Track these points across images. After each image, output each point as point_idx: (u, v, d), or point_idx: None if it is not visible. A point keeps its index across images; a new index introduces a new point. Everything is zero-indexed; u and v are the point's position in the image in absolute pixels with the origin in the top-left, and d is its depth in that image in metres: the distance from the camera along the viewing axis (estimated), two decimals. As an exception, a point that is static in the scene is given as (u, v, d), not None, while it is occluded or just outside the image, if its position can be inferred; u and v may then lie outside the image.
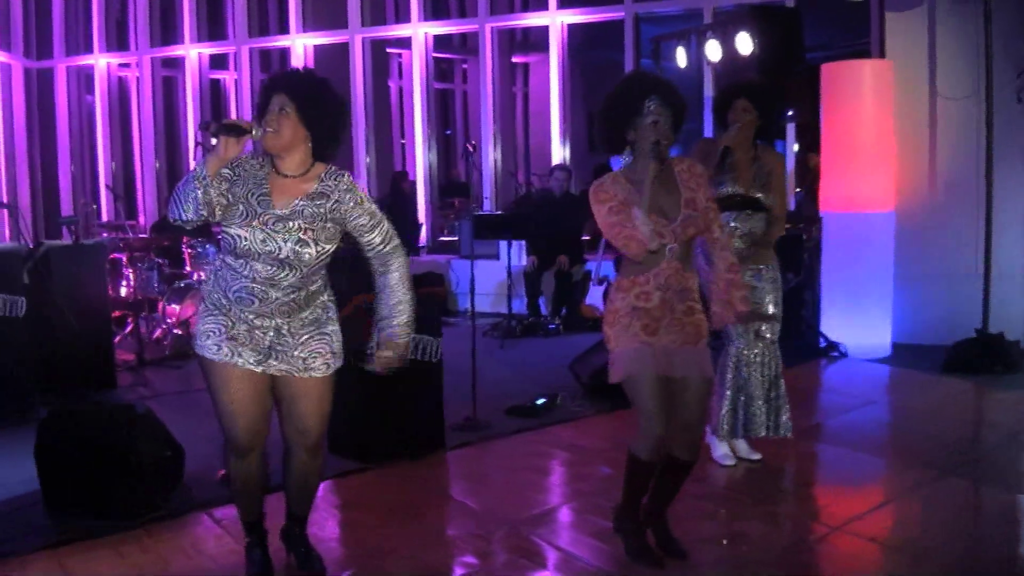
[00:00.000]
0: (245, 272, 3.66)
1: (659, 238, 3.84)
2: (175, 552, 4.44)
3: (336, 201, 3.73)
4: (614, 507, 4.31)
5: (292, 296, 3.72)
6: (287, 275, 3.67)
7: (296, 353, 3.76)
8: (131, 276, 9.25)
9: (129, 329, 9.24)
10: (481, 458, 5.95)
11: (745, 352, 5.48)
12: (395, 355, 3.90)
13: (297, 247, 3.64)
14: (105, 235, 10.42)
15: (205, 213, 3.54)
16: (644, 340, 3.93)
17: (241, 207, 3.62)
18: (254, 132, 3.59)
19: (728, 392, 5.49)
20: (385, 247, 3.85)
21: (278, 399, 3.86)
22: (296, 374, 3.78)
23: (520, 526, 4.74)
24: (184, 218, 3.55)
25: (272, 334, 3.73)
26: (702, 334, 4.05)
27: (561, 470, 5.86)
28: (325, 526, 4.82)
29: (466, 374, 6.49)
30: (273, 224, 3.62)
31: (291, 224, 3.63)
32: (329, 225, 3.71)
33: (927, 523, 4.72)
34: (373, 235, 3.81)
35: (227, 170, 3.62)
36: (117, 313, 9.28)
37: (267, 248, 3.61)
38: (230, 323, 3.70)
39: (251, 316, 3.70)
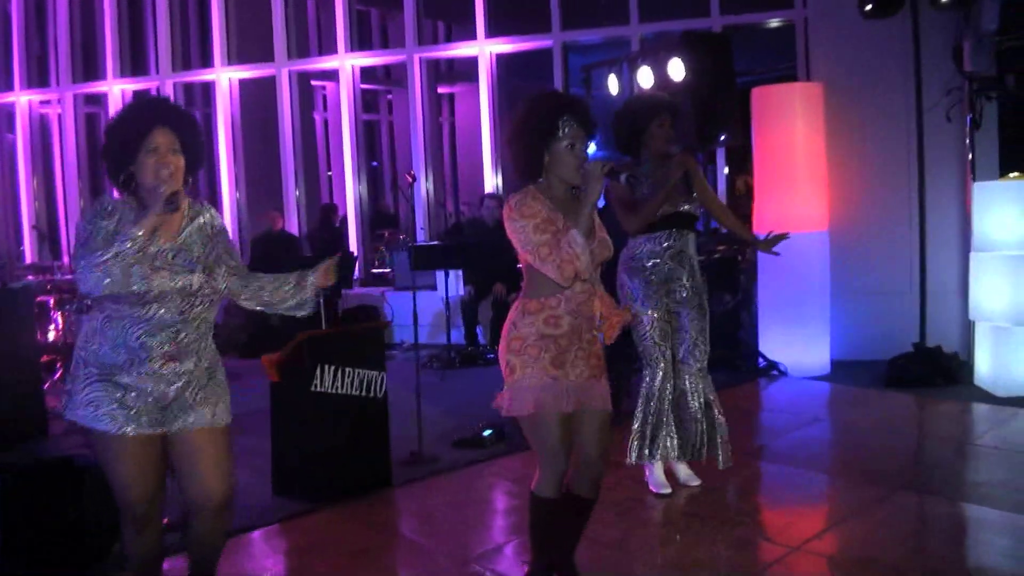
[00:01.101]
0: (150, 316, 3.38)
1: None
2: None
3: (212, 225, 3.60)
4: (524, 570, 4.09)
5: (197, 332, 3.52)
6: (199, 308, 3.50)
7: (198, 402, 3.51)
8: (59, 319, 9.01)
9: (59, 375, 9.00)
10: (430, 494, 5.84)
11: (656, 380, 5.41)
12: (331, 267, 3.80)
13: (205, 275, 3.48)
14: (31, 277, 10.16)
15: (146, 284, 3.32)
16: (552, 374, 3.68)
17: None
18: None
19: (641, 417, 5.42)
20: (244, 277, 3.71)
21: (176, 462, 3.56)
22: (201, 425, 3.51)
23: (472, 562, 4.66)
24: (123, 291, 3.28)
25: (176, 383, 3.46)
26: (604, 366, 3.86)
27: (510, 502, 5.77)
28: (275, 572, 4.70)
29: (409, 407, 6.39)
30: (173, 259, 3.42)
31: (191, 254, 3.46)
32: (219, 249, 3.58)
33: (881, 539, 4.71)
34: (236, 258, 3.70)
35: (105, 221, 3.36)
36: (45, 358, 9.04)
37: (177, 285, 3.40)
38: (117, 388, 3.39)
39: (149, 370, 3.40)
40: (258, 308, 3.80)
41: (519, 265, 10.43)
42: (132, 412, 3.39)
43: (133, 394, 3.40)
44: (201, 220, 3.58)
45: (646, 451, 5.42)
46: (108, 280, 3.23)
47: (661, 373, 5.41)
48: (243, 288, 3.72)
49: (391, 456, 5.95)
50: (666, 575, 4.37)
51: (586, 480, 3.86)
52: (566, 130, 3.66)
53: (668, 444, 5.44)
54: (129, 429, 3.39)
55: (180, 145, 3.44)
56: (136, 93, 14.20)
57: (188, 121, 3.53)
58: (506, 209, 3.70)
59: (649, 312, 5.37)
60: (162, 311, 3.40)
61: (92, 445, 3.52)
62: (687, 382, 5.47)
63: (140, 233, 3.26)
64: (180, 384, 3.47)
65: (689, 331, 5.45)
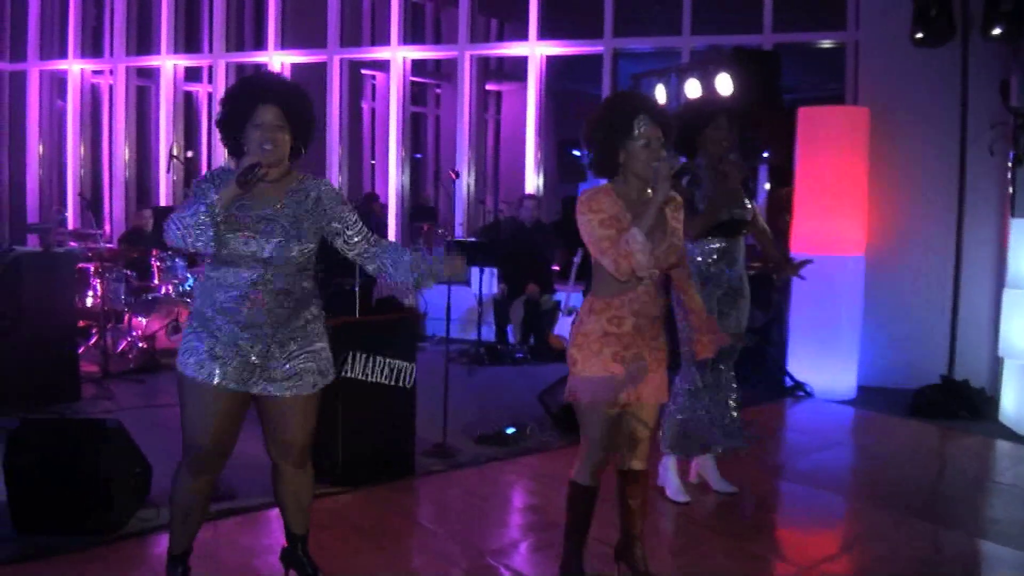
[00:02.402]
0: (230, 280, 3.60)
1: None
2: (139, 570, 4.40)
3: (316, 198, 3.72)
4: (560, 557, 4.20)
5: (280, 301, 3.65)
6: (273, 277, 3.62)
7: (283, 370, 3.69)
8: (98, 287, 9.15)
9: (94, 340, 9.14)
10: (450, 485, 5.92)
11: (697, 380, 5.48)
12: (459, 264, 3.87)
13: (279, 246, 3.60)
14: (73, 244, 10.32)
15: (215, 246, 3.50)
16: (611, 369, 3.85)
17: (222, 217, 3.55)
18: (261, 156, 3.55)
19: (676, 415, 5.50)
20: (370, 243, 3.82)
21: (261, 416, 3.80)
22: (282, 393, 3.70)
23: (487, 555, 4.73)
24: (192, 249, 3.50)
25: (260, 348, 3.63)
26: (664, 361, 4.03)
27: (529, 500, 5.84)
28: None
29: (436, 400, 6.46)
30: (254, 225, 3.58)
31: (272, 224, 3.60)
32: (309, 223, 3.68)
33: (893, 566, 4.73)
34: (355, 229, 3.78)
35: (208, 186, 3.58)
36: (82, 323, 9.19)
37: (250, 249, 3.56)
38: (214, 340, 3.60)
39: (238, 330, 3.60)
40: (378, 271, 3.85)
41: (553, 267, 10.49)
42: (219, 364, 3.60)
43: (221, 348, 3.60)
44: (305, 193, 3.71)
45: (678, 447, 5.52)
46: (181, 234, 3.45)
47: (704, 371, 5.47)
48: (369, 261, 3.82)
49: (415, 446, 6.04)
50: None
51: (636, 452, 4.06)
52: (641, 128, 3.79)
53: (696, 443, 5.52)
54: (213, 379, 3.60)
55: (286, 120, 3.61)
56: (188, 70, 14.36)
57: (295, 97, 3.69)
58: (578, 204, 3.86)
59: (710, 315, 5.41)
60: (240, 276, 3.59)
61: (179, 389, 3.70)
62: (723, 381, 5.54)
63: (215, 199, 3.44)
64: (263, 350, 3.65)
65: (736, 332, 5.51)
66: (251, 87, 3.69)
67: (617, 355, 3.86)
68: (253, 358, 3.64)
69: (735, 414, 5.59)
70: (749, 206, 5.54)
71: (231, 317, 3.60)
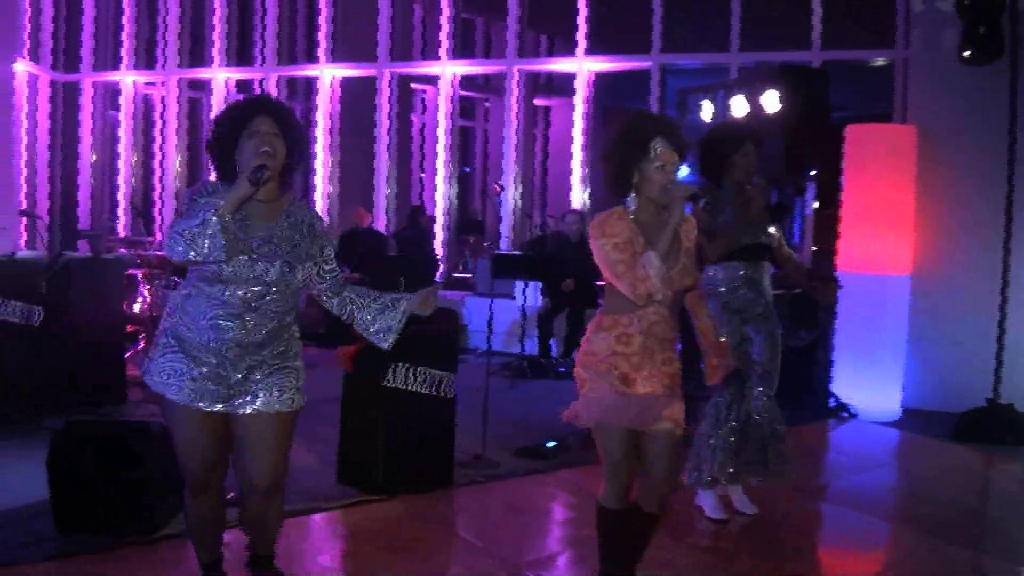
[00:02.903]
0: (224, 298, 3.50)
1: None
2: (179, 572, 4.44)
3: (310, 225, 3.70)
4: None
5: (273, 320, 3.60)
6: (271, 299, 3.57)
7: (263, 387, 3.61)
8: (147, 292, 9.27)
9: (142, 345, 9.26)
10: (488, 497, 5.93)
11: (727, 405, 5.43)
12: (430, 297, 3.82)
13: (285, 269, 3.56)
14: (123, 251, 10.46)
15: (227, 255, 3.41)
16: (620, 390, 3.74)
17: None
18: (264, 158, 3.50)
19: (709, 439, 5.45)
20: (339, 284, 3.83)
21: (233, 441, 3.68)
22: (262, 409, 3.61)
23: (524, 568, 4.74)
24: (201, 258, 3.37)
25: (244, 365, 3.56)
26: (678, 384, 3.91)
27: (567, 514, 5.84)
28: (329, 557, 4.83)
29: (476, 411, 6.48)
30: (258, 247, 3.53)
31: (273, 247, 3.56)
32: (304, 248, 3.65)
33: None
34: (332, 263, 3.80)
35: (203, 199, 3.50)
36: (131, 328, 9.32)
37: (254, 273, 3.51)
38: (191, 362, 3.53)
39: (223, 348, 3.52)
40: (345, 321, 3.86)
41: (599, 282, 10.47)
42: (199, 387, 3.53)
43: (203, 370, 3.53)
44: (298, 218, 3.68)
45: (707, 475, 5.45)
46: (188, 246, 3.34)
47: (731, 398, 5.42)
48: (334, 296, 3.83)
49: (454, 456, 6.06)
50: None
51: (653, 496, 3.93)
52: (657, 150, 3.73)
53: (731, 469, 5.45)
54: (193, 402, 3.54)
55: (280, 133, 3.57)
56: (240, 83, 14.54)
57: (287, 112, 3.67)
58: (591, 227, 3.80)
59: (724, 337, 5.38)
60: (236, 295, 3.51)
61: (162, 410, 3.68)
62: (756, 408, 5.47)
63: (222, 203, 3.38)
64: (246, 368, 3.57)
65: (761, 359, 5.44)
66: (245, 102, 3.66)
67: (625, 376, 3.74)
68: (237, 376, 3.56)
69: (778, 444, 5.52)
70: (773, 231, 5.49)
71: (219, 335, 3.51)
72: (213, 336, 3.51)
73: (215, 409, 3.57)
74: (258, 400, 3.61)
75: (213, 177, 3.70)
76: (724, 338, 5.28)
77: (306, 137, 3.76)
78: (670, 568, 4.70)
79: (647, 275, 3.64)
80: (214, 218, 3.33)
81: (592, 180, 12.34)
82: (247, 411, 3.60)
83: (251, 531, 3.90)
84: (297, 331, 3.78)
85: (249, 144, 3.52)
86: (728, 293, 5.40)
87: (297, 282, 3.64)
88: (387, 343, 3.85)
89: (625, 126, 3.84)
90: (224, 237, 3.35)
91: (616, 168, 3.82)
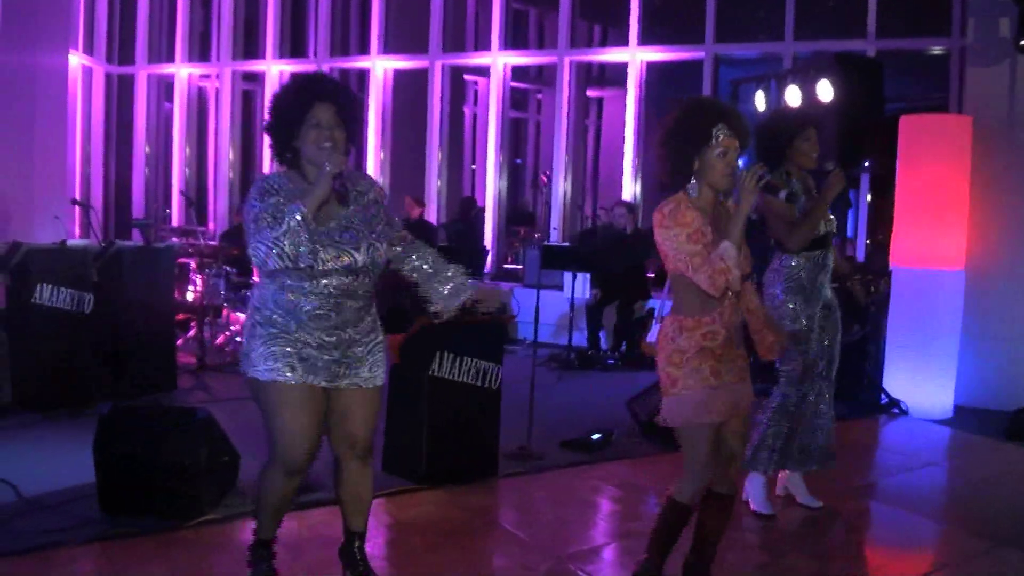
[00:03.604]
0: (318, 290, 3.57)
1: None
2: (221, 555, 4.49)
3: (374, 200, 3.74)
4: (638, 562, 4.08)
5: (363, 301, 3.70)
6: (362, 282, 3.66)
7: (363, 364, 3.74)
8: (199, 281, 9.36)
9: (192, 333, 9.36)
10: (532, 488, 5.92)
11: (796, 399, 5.40)
12: (494, 299, 3.94)
13: (370, 252, 3.61)
14: (175, 240, 10.57)
15: (312, 257, 3.47)
16: (712, 384, 3.75)
17: None
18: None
19: (771, 430, 5.41)
20: (405, 234, 3.90)
21: (329, 412, 3.78)
22: (363, 385, 3.75)
23: (567, 560, 4.71)
24: (293, 265, 3.44)
25: (341, 348, 3.66)
26: (748, 371, 3.94)
27: (612, 507, 5.81)
28: (373, 544, 4.81)
29: (523, 403, 6.47)
30: (339, 236, 3.57)
31: (352, 232, 3.59)
32: (377, 222, 3.69)
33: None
34: (400, 227, 3.88)
35: (273, 198, 3.52)
36: (182, 316, 9.41)
37: (343, 262, 3.55)
38: (294, 343, 3.60)
39: (321, 334, 3.61)
40: (414, 279, 3.95)
41: (648, 274, 10.37)
42: (309, 365, 3.62)
43: (307, 350, 3.62)
44: (365, 194, 3.72)
45: (773, 462, 5.44)
46: (279, 255, 3.39)
47: (805, 389, 5.40)
48: (404, 258, 3.92)
49: (499, 447, 6.05)
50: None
51: (724, 476, 3.93)
52: (719, 137, 3.69)
53: (796, 457, 5.46)
54: (308, 379, 3.62)
55: (341, 120, 3.60)
56: (293, 75, 14.62)
57: (349, 97, 3.70)
58: (658, 216, 3.74)
59: (807, 333, 5.35)
60: (330, 286, 3.58)
61: (263, 400, 3.68)
62: (822, 395, 5.47)
63: (306, 209, 3.41)
64: (345, 347, 3.68)
65: (828, 350, 5.45)
66: (305, 87, 3.65)
67: (715, 369, 3.76)
68: (338, 355, 3.66)
69: (828, 434, 5.52)
70: (832, 217, 5.44)
71: (319, 323, 3.60)
72: (313, 324, 3.60)
73: (324, 385, 3.67)
74: (359, 374, 3.75)
75: (267, 164, 3.73)
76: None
77: (362, 115, 3.80)
78: (717, 564, 4.65)
79: (727, 267, 3.61)
80: (300, 220, 3.39)
81: (643, 172, 12.27)
82: (349, 384, 3.73)
83: (351, 502, 3.98)
84: (375, 311, 3.86)
85: (311, 135, 3.56)
86: (811, 287, 5.36)
87: (382, 262, 3.72)
88: (442, 315, 3.97)
89: (685, 112, 3.78)
90: (311, 240, 3.42)
91: (676, 155, 3.76)
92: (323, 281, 3.57)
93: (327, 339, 3.63)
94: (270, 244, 3.38)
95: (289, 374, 3.60)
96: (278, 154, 3.68)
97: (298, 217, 3.38)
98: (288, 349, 3.60)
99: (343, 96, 3.65)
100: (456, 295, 3.94)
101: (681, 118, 3.77)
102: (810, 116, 5.51)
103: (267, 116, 3.68)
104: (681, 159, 3.75)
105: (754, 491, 5.50)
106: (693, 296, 3.75)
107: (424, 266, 3.93)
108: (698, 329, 3.74)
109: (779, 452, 5.42)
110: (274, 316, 3.61)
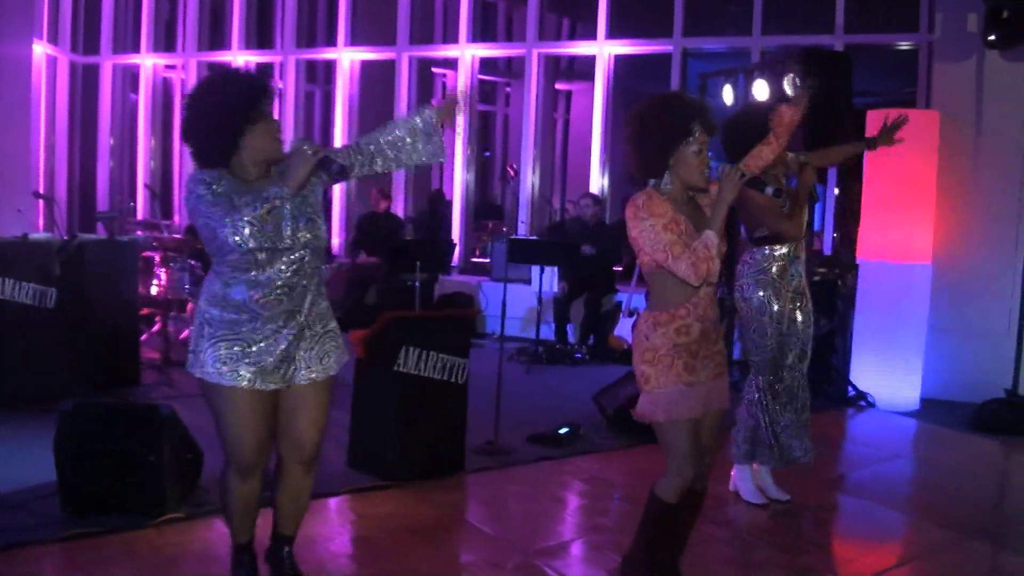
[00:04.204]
0: (264, 278, 3.50)
1: None
2: (186, 554, 4.43)
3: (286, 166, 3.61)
4: (625, 556, 4.09)
5: (312, 282, 3.63)
6: (309, 260, 3.60)
7: (315, 352, 3.67)
8: (163, 275, 9.26)
9: (157, 328, 9.26)
10: (500, 484, 5.89)
11: (770, 389, 5.42)
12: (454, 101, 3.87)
13: (310, 227, 3.57)
14: (140, 233, 10.45)
15: (291, 241, 3.50)
16: (687, 380, 3.74)
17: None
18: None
19: (752, 422, 5.46)
20: (340, 154, 3.78)
21: (278, 410, 3.72)
22: (314, 377, 3.68)
23: (535, 556, 4.68)
24: (270, 244, 3.45)
25: (293, 336, 3.59)
26: (725, 363, 3.94)
27: (580, 502, 5.79)
28: (339, 543, 4.79)
29: (490, 397, 6.43)
30: (299, 214, 3.54)
31: (290, 211, 3.51)
32: (309, 190, 3.61)
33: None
34: (331, 160, 3.65)
35: (215, 186, 3.45)
36: (146, 311, 9.31)
37: (285, 242, 3.50)
38: (244, 344, 3.53)
39: (271, 323, 3.55)
40: (399, 165, 3.90)
41: (616, 267, 10.35)
42: (257, 368, 3.55)
43: (255, 350, 3.55)
44: (282, 169, 3.60)
45: (751, 455, 5.51)
46: (253, 232, 3.36)
47: (780, 381, 5.44)
48: (364, 162, 3.84)
49: (466, 443, 6.02)
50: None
51: (699, 472, 3.91)
52: (696, 134, 3.70)
53: (771, 450, 5.48)
54: (255, 384, 3.55)
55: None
56: (259, 66, 14.51)
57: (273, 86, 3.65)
58: (631, 209, 3.73)
59: (776, 324, 5.40)
60: (276, 271, 3.52)
61: (212, 401, 3.63)
62: (793, 386, 5.50)
63: (288, 191, 3.40)
64: (295, 336, 3.61)
65: (800, 338, 5.49)
66: (242, 82, 3.56)
67: (688, 365, 3.75)
68: (285, 347, 3.59)
69: (804, 428, 5.56)
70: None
71: (269, 312, 3.54)
72: (264, 314, 3.54)
73: (273, 387, 3.61)
74: (310, 368, 3.68)
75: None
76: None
77: None
78: (686, 557, 4.64)
79: (711, 255, 3.61)
80: (280, 202, 3.39)
81: (612, 165, 12.25)
82: (300, 381, 3.67)
83: (287, 506, 3.92)
84: (324, 292, 3.80)
85: (261, 127, 3.50)
86: (781, 279, 5.41)
87: (324, 236, 3.66)
88: (442, 156, 3.96)
89: (664, 107, 3.77)
90: (285, 221, 3.45)
91: (653, 150, 3.74)
92: (269, 268, 3.50)
93: (279, 331, 3.56)
94: (251, 220, 3.34)
95: (237, 376, 3.53)
96: (217, 156, 3.54)
97: (279, 199, 3.37)
98: (236, 349, 3.53)
99: (274, 92, 3.62)
100: (427, 136, 3.85)
101: (659, 113, 3.75)
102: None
103: (202, 121, 3.52)
104: (658, 154, 3.74)
105: (742, 482, 5.56)
106: (666, 289, 3.74)
107: (377, 149, 3.83)
108: (671, 323, 3.73)
109: (755, 444, 5.47)
110: (224, 314, 3.54)
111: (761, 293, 5.39)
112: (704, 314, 3.75)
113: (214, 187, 3.44)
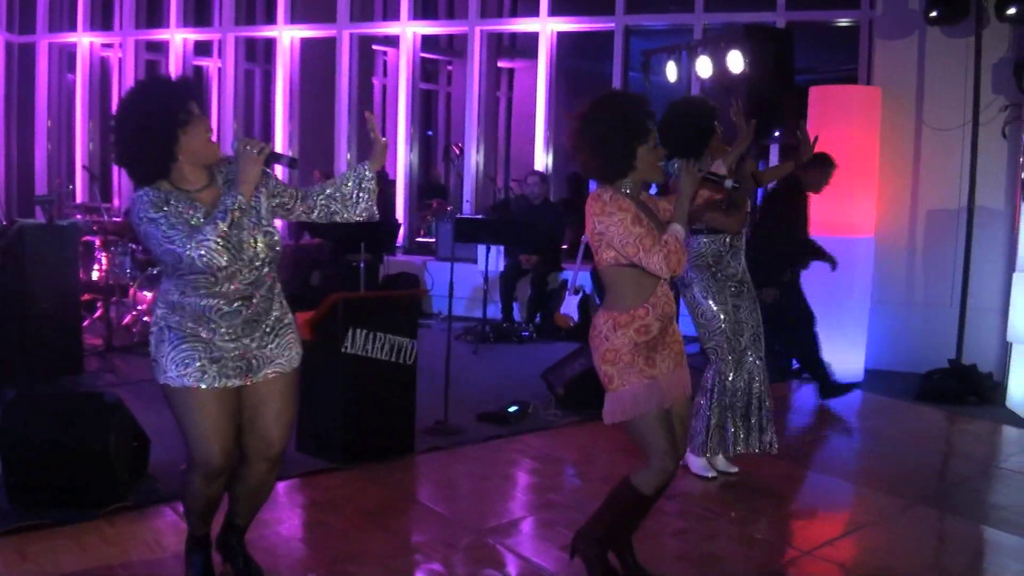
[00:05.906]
0: (224, 290, 3.46)
1: None
2: (136, 544, 4.37)
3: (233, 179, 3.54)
4: (579, 531, 4.05)
5: (273, 289, 3.62)
6: (268, 270, 3.57)
7: (273, 348, 3.63)
8: (104, 260, 9.11)
9: (99, 314, 9.12)
10: (451, 464, 5.89)
11: (729, 373, 5.48)
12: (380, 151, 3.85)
13: (265, 238, 3.52)
14: (79, 217, 10.28)
15: (253, 249, 3.47)
16: (649, 375, 3.74)
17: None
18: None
19: (712, 411, 5.50)
20: (291, 189, 3.72)
21: (242, 407, 3.67)
22: (278, 370, 3.64)
23: (487, 535, 4.69)
24: (231, 261, 3.35)
25: (255, 335, 3.57)
26: (684, 354, 3.96)
27: (531, 479, 5.80)
28: (290, 526, 4.76)
29: (439, 377, 6.42)
30: (257, 222, 3.49)
31: (245, 221, 3.43)
32: (262, 201, 3.55)
33: (895, 552, 4.69)
34: (286, 188, 3.68)
35: (166, 207, 3.35)
36: (87, 297, 9.16)
37: (247, 255, 3.46)
38: (203, 346, 3.48)
39: (236, 329, 3.52)
40: (335, 219, 3.81)
41: (562, 245, 10.34)
42: (220, 367, 3.51)
43: (216, 353, 3.50)
44: (233, 177, 3.53)
45: (710, 444, 5.54)
46: (226, 249, 3.29)
47: (732, 367, 5.50)
48: (311, 209, 3.76)
49: (415, 423, 6.00)
50: (673, 567, 4.37)
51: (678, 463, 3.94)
52: (653, 132, 3.73)
53: (733, 438, 5.54)
54: (216, 383, 3.50)
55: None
56: (197, 44, 14.31)
57: (203, 88, 3.59)
58: (597, 205, 3.68)
59: (719, 308, 5.46)
60: (234, 283, 3.48)
61: (175, 406, 3.55)
62: (751, 373, 5.55)
63: (243, 197, 3.35)
64: (258, 337, 3.59)
65: (749, 323, 5.54)
66: (171, 86, 3.45)
67: (649, 359, 3.76)
68: (252, 345, 3.57)
69: (766, 412, 5.62)
70: None
71: (229, 321, 3.50)
72: (225, 323, 3.50)
73: (236, 384, 3.57)
74: (273, 363, 3.64)
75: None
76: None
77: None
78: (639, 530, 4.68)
79: (681, 247, 3.62)
80: (238, 211, 3.32)
81: (555, 143, 12.25)
82: (263, 377, 3.63)
83: (245, 500, 3.90)
84: (281, 292, 3.76)
85: (191, 128, 3.37)
86: (717, 266, 5.49)
87: (279, 245, 3.62)
88: (371, 214, 3.89)
89: (620, 111, 3.73)
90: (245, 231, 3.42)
91: (618, 153, 3.70)
92: (229, 282, 3.45)
93: (241, 332, 3.53)
94: (217, 239, 3.25)
95: (200, 378, 3.48)
96: (156, 169, 3.40)
97: (236, 208, 3.31)
98: (196, 353, 3.48)
99: (202, 92, 3.57)
100: (361, 188, 3.78)
101: (620, 114, 3.72)
102: (715, 104, 5.52)
103: (134, 135, 3.35)
104: (624, 156, 3.71)
105: (691, 456, 5.61)
106: (626, 288, 3.75)
107: (327, 200, 3.75)
108: (632, 324, 3.73)
109: (717, 432, 5.51)
110: (183, 321, 3.49)
111: (704, 279, 5.47)
112: (662, 312, 3.77)
113: (166, 209, 3.35)
